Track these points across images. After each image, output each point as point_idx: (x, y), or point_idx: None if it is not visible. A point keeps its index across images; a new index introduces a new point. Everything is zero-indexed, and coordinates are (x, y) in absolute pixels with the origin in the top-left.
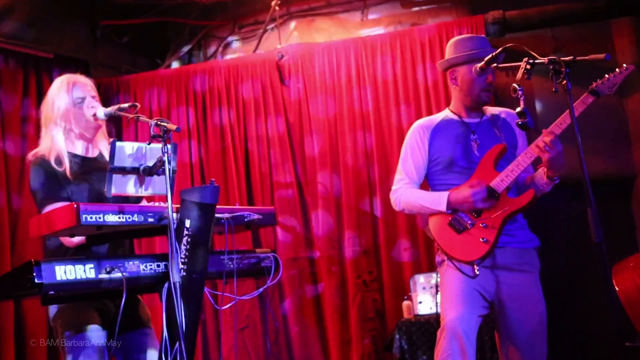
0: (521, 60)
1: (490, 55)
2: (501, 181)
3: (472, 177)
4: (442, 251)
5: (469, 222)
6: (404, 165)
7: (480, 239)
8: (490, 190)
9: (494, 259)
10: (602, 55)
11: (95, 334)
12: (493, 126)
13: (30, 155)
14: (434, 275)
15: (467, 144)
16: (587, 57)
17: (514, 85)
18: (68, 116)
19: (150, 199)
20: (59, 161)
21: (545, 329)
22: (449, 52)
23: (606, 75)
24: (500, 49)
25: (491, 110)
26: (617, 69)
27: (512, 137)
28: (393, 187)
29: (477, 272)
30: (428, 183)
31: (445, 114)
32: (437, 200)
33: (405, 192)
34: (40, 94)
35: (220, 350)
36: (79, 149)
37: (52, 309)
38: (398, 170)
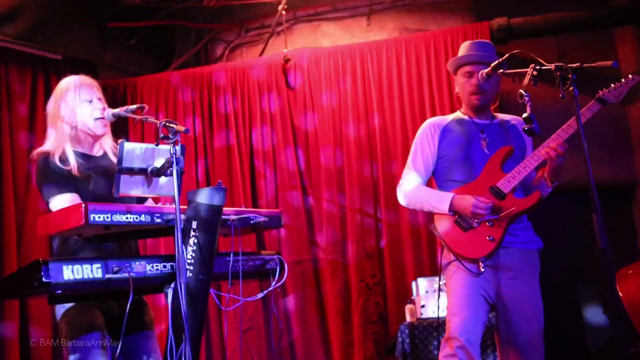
0: (527, 67)
1: (496, 62)
2: (508, 182)
3: (479, 177)
4: (448, 249)
5: (475, 220)
6: (414, 160)
7: (487, 237)
8: (495, 191)
9: (497, 258)
10: (609, 63)
11: (99, 336)
12: (502, 128)
13: (34, 153)
14: (437, 279)
15: (476, 143)
16: (594, 64)
17: (521, 91)
18: (74, 117)
19: (155, 199)
20: (64, 159)
21: (542, 331)
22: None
23: (612, 85)
24: (506, 55)
25: (502, 116)
26: (623, 79)
27: (521, 140)
28: (401, 181)
29: (482, 270)
30: (435, 179)
31: (457, 114)
32: (441, 200)
33: (413, 187)
34: (48, 95)
35: (225, 351)
36: (85, 148)
37: (59, 309)
38: (407, 164)
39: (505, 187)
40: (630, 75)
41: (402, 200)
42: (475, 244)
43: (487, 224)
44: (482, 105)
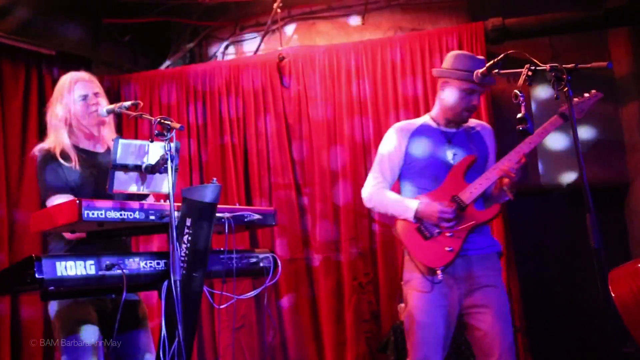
0: (521, 67)
1: (491, 62)
2: (470, 193)
3: (442, 186)
4: (408, 254)
5: (436, 230)
6: (380, 164)
7: (446, 248)
8: (456, 201)
9: (455, 268)
10: (604, 64)
11: (91, 333)
12: (468, 137)
13: (36, 150)
14: None
15: (442, 152)
16: (589, 65)
17: (515, 91)
18: (71, 114)
19: (158, 196)
20: (65, 156)
21: (511, 325)
22: (447, 62)
23: (575, 99)
24: (501, 56)
25: (468, 122)
26: (586, 94)
27: (484, 149)
28: (366, 184)
29: (440, 278)
30: (400, 183)
31: (425, 119)
32: (406, 207)
33: (378, 191)
34: (42, 91)
35: (217, 349)
36: (85, 144)
37: (53, 307)
38: (374, 168)
39: (466, 197)
40: (593, 91)
41: (367, 202)
42: (434, 253)
43: (447, 234)
44: (466, 122)
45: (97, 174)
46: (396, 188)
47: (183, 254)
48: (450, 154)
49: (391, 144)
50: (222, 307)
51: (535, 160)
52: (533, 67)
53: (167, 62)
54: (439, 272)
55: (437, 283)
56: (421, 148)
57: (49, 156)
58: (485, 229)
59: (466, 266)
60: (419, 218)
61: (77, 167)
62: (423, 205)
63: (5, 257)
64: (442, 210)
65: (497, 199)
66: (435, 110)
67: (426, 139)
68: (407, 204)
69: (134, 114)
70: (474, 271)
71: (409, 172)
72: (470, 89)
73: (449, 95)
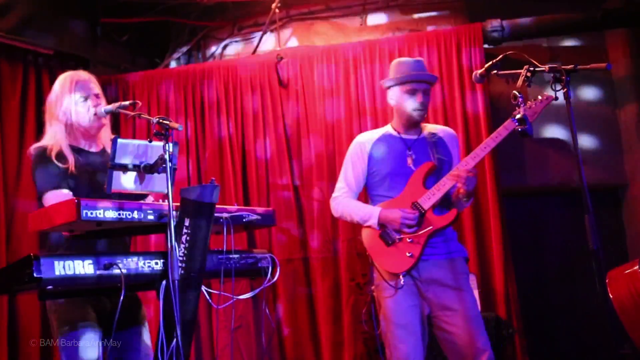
0: (520, 68)
1: (490, 63)
2: (428, 199)
3: (402, 192)
4: (371, 261)
5: (397, 236)
6: (345, 175)
7: (406, 254)
8: (416, 207)
9: (419, 272)
10: (603, 65)
11: (90, 331)
12: (428, 143)
13: (32, 148)
14: None
15: (403, 159)
16: (588, 66)
17: (514, 92)
18: (70, 114)
19: (157, 195)
20: (61, 156)
21: (484, 329)
22: (390, 73)
23: (529, 102)
24: (500, 57)
25: (430, 128)
26: (539, 97)
27: (447, 154)
28: (333, 195)
29: (402, 283)
30: (367, 192)
31: (386, 129)
32: (369, 215)
33: (343, 201)
34: (40, 90)
35: (214, 350)
36: (82, 143)
37: (51, 305)
38: (340, 179)
39: (425, 203)
40: (545, 94)
41: (334, 212)
42: (396, 258)
43: (408, 240)
44: (421, 120)
45: (92, 174)
46: (364, 197)
47: (181, 254)
48: (410, 161)
49: (354, 154)
50: (220, 307)
51: (533, 161)
52: (532, 68)
53: (165, 62)
54: (401, 277)
55: (400, 288)
56: (382, 157)
57: (45, 154)
58: (451, 234)
59: (433, 270)
60: (382, 224)
61: (73, 167)
62: (386, 211)
63: (3, 257)
64: (404, 216)
65: (458, 205)
66: (394, 119)
67: (387, 148)
68: (370, 211)
69: (133, 113)
70: (441, 275)
71: (373, 180)
72: (411, 90)
73: (396, 102)
